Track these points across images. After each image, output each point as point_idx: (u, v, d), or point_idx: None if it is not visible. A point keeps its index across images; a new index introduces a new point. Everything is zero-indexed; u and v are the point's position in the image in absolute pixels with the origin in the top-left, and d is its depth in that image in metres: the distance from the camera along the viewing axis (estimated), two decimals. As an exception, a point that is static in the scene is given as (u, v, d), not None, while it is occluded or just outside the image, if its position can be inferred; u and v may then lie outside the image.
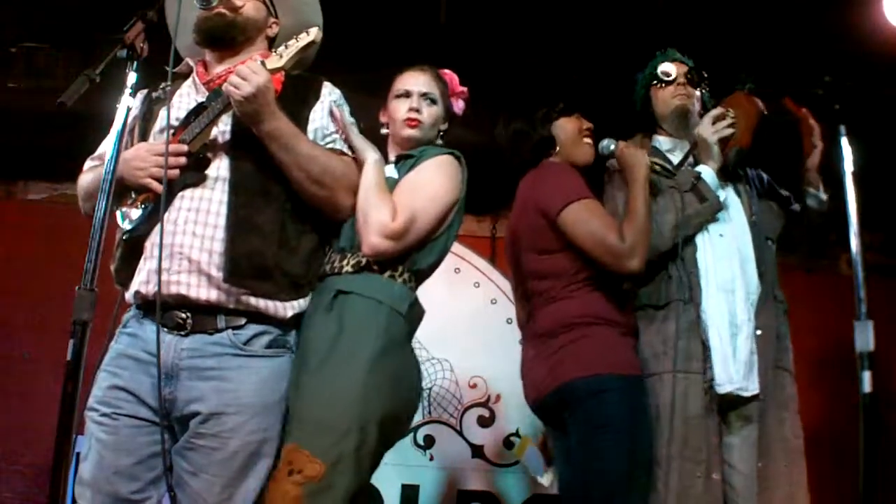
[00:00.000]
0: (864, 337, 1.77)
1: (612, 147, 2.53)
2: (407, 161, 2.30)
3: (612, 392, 2.22)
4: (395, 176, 2.27)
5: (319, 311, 2.12)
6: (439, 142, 2.42)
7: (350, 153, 2.21)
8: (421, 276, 2.25)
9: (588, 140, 2.54)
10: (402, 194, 2.18)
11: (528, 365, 2.43)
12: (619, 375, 2.25)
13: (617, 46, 3.46)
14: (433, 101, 2.38)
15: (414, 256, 2.20)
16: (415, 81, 2.39)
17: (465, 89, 2.49)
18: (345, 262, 2.17)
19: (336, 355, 2.04)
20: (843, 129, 1.99)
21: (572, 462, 2.31)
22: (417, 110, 2.35)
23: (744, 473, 2.36)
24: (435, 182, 2.23)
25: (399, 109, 2.37)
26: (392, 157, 2.39)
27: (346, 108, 2.28)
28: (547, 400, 2.35)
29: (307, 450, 1.94)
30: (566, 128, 2.53)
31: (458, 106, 2.48)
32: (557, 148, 2.51)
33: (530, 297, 2.44)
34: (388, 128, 2.42)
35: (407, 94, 2.37)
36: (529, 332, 2.46)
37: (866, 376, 1.75)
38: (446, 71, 2.49)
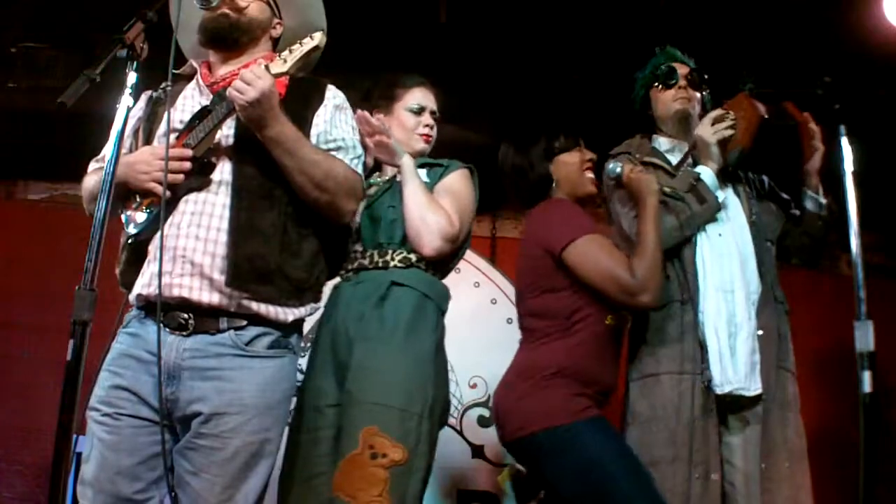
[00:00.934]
0: (865, 337, 1.78)
1: (619, 170, 2.47)
2: (436, 169, 2.47)
3: (580, 436, 2.20)
4: (427, 180, 2.42)
5: (370, 302, 2.24)
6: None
7: (350, 163, 2.19)
8: (447, 273, 2.45)
9: (589, 173, 2.51)
10: (450, 200, 2.37)
11: (499, 398, 2.40)
12: (581, 421, 2.22)
13: (618, 46, 3.46)
14: (438, 119, 2.58)
15: (454, 257, 2.42)
16: (428, 99, 2.56)
17: None
18: (389, 257, 2.32)
19: (401, 343, 2.19)
20: (842, 129, 1.99)
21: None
22: (432, 127, 2.55)
23: (745, 472, 2.36)
24: (468, 193, 2.46)
25: (412, 121, 2.53)
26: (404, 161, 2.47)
27: (349, 111, 2.29)
28: (514, 448, 2.35)
29: (387, 433, 2.06)
30: (567, 163, 2.48)
31: None
32: (554, 185, 2.47)
33: (523, 331, 2.43)
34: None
35: (421, 110, 2.54)
36: (513, 364, 2.41)
37: (866, 376, 1.75)
38: None
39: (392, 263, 2.31)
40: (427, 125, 2.53)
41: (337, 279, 2.39)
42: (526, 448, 2.29)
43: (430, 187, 2.39)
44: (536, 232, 2.41)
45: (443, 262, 2.38)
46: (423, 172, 2.44)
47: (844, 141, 1.97)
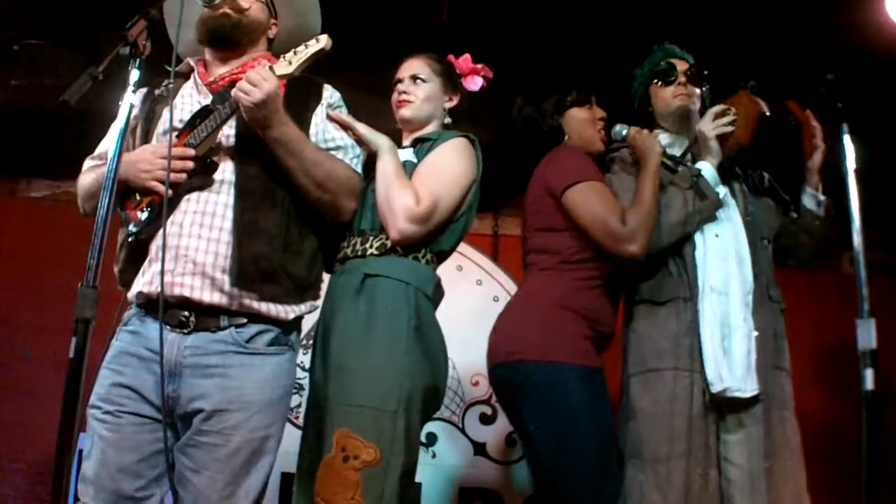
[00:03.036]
0: (867, 335, 1.77)
1: (625, 133, 2.52)
2: (424, 144, 2.36)
3: (571, 382, 2.23)
4: (414, 160, 2.33)
5: (347, 294, 2.19)
6: (448, 120, 2.49)
7: (350, 162, 2.20)
8: (442, 256, 2.35)
9: (601, 129, 2.55)
10: (423, 178, 2.25)
11: (498, 324, 2.44)
12: (578, 366, 2.25)
13: (620, 44, 3.45)
14: (423, 81, 2.47)
15: (437, 238, 2.28)
16: (404, 68, 2.51)
17: (480, 66, 2.55)
18: (368, 244, 2.24)
19: (373, 339, 2.12)
20: (845, 126, 1.98)
21: (539, 455, 2.32)
22: (405, 92, 2.46)
23: (742, 468, 2.36)
24: (453, 165, 2.31)
25: (393, 97, 2.49)
26: (407, 143, 2.45)
27: (344, 110, 2.29)
28: (500, 371, 2.36)
29: (359, 435, 2.01)
30: (578, 117, 2.54)
31: (476, 83, 2.54)
32: (567, 138, 2.50)
33: (526, 267, 2.48)
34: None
35: (399, 81, 2.49)
36: (515, 295, 2.49)
37: (868, 374, 1.75)
38: (454, 56, 2.55)
39: (369, 251, 2.23)
40: (399, 91, 2.47)
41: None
42: (513, 372, 2.30)
43: (412, 166, 2.31)
44: (543, 173, 2.46)
45: (423, 244, 2.25)
46: (409, 152, 2.37)
47: (847, 139, 1.97)
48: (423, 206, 2.19)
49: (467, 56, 2.55)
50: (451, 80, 2.51)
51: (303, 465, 2.19)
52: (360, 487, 1.98)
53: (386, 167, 2.24)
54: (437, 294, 2.30)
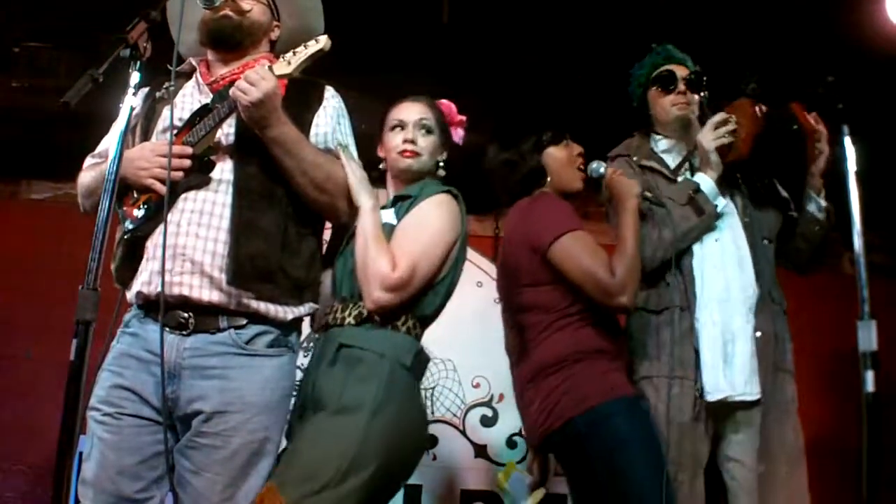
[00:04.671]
0: (868, 336, 1.77)
1: (602, 170, 2.48)
2: (404, 203, 2.24)
3: (615, 416, 2.21)
4: (394, 221, 2.21)
5: (324, 363, 2.10)
6: (441, 173, 2.36)
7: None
8: (426, 321, 2.21)
9: (579, 166, 2.49)
10: (401, 240, 2.13)
11: (526, 410, 2.39)
12: (616, 399, 2.23)
13: (620, 46, 3.45)
14: (429, 131, 2.32)
15: (418, 303, 2.15)
16: (408, 111, 2.33)
17: (464, 118, 2.45)
18: (346, 312, 2.13)
19: (337, 410, 2.00)
20: (845, 128, 1.98)
21: (594, 486, 2.26)
22: (413, 141, 2.29)
23: (748, 466, 2.36)
24: (433, 223, 2.17)
25: (394, 141, 2.31)
26: (390, 194, 2.34)
27: (347, 120, 2.28)
28: (550, 441, 2.32)
29: (282, 494, 1.88)
30: (556, 156, 2.48)
31: (458, 135, 2.43)
32: (549, 178, 2.47)
33: (522, 329, 2.41)
34: (385, 163, 2.36)
35: (402, 126, 2.31)
36: (526, 367, 2.39)
37: (869, 376, 1.75)
38: (443, 101, 2.44)
39: (347, 320, 2.11)
40: (406, 139, 2.28)
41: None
42: (564, 437, 2.26)
43: (391, 228, 2.18)
44: (522, 227, 2.40)
45: (402, 310, 2.11)
46: (390, 213, 2.23)
47: (847, 141, 1.97)
48: (398, 272, 2.06)
49: (451, 105, 2.44)
50: (446, 130, 2.38)
51: None
52: None
53: (365, 228, 2.12)
54: (418, 362, 2.14)
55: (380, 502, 2.04)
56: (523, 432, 2.42)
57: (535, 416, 2.32)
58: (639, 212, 2.39)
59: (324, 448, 1.95)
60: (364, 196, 2.16)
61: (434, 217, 2.19)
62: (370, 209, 2.15)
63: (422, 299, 2.15)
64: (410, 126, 2.31)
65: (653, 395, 2.36)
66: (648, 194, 2.45)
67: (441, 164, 2.36)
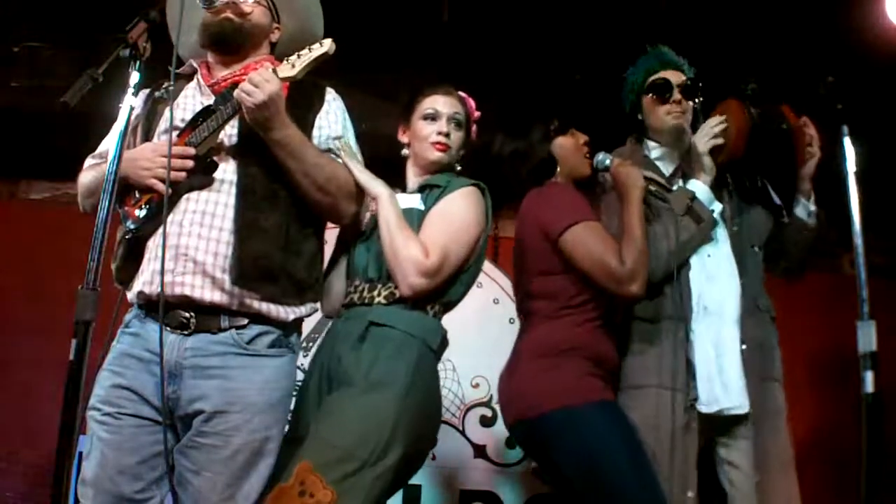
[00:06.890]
0: (867, 337, 1.77)
1: (608, 162, 2.48)
2: (433, 191, 2.29)
3: (592, 418, 2.20)
4: (422, 207, 2.27)
5: (350, 340, 2.14)
6: (458, 167, 2.41)
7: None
8: (449, 307, 2.29)
9: (586, 154, 2.51)
10: (432, 229, 2.20)
11: (505, 382, 2.40)
12: (591, 402, 2.23)
13: (620, 46, 3.45)
14: (459, 125, 2.38)
15: (447, 290, 2.23)
16: (444, 103, 2.37)
17: (479, 114, 2.49)
18: (375, 292, 2.19)
19: (368, 387, 2.04)
20: (845, 129, 1.98)
21: (581, 498, 2.25)
22: (447, 134, 2.34)
23: (746, 472, 2.36)
24: (463, 214, 2.24)
25: (425, 129, 2.35)
26: (413, 180, 2.38)
27: (348, 121, 2.28)
28: (522, 429, 2.33)
29: (321, 474, 1.92)
30: (565, 145, 2.49)
31: (473, 130, 2.48)
32: (559, 168, 2.48)
33: (528, 314, 2.43)
34: (408, 148, 2.41)
35: (435, 117, 2.36)
36: (519, 342, 2.42)
37: (869, 377, 1.75)
38: (465, 95, 2.48)
39: (377, 300, 2.18)
40: (441, 132, 2.33)
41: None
42: (535, 428, 2.27)
43: (420, 213, 2.24)
44: (534, 215, 2.42)
45: (433, 296, 2.20)
46: (417, 198, 2.29)
47: (847, 141, 1.97)
48: (432, 259, 2.14)
49: (472, 101, 2.49)
50: (469, 126, 2.44)
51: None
52: None
53: (388, 217, 2.17)
54: (441, 347, 2.24)
55: (400, 485, 2.09)
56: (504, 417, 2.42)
57: (510, 399, 2.35)
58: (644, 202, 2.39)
59: (359, 426, 1.98)
60: (378, 186, 2.22)
61: (463, 208, 2.25)
62: (388, 197, 2.20)
63: (449, 287, 2.23)
64: (444, 119, 2.35)
65: (644, 405, 2.34)
66: (653, 187, 2.46)
67: (461, 157, 2.42)
